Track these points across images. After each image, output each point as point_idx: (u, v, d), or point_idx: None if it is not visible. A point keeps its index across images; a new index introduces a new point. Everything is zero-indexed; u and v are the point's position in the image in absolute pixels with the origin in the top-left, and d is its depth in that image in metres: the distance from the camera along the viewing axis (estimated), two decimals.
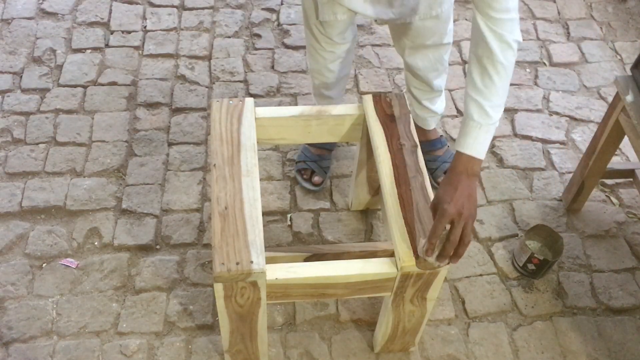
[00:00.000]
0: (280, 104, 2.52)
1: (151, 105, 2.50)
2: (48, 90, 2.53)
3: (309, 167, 2.23)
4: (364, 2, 1.78)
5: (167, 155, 2.35)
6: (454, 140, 2.43)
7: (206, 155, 2.35)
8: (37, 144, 2.36)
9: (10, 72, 2.58)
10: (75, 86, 2.55)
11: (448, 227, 1.43)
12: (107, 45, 2.70)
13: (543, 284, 2.07)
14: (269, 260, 1.54)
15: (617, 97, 1.90)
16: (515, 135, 2.46)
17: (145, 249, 2.10)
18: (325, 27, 1.91)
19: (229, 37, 2.76)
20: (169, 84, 2.57)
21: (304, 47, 2.68)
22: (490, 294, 2.04)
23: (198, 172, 2.30)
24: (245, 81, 2.60)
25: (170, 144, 2.38)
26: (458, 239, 1.41)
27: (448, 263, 1.48)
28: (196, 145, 2.38)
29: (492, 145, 2.42)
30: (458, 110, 2.53)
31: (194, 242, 2.12)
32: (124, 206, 2.19)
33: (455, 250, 1.43)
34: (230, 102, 1.81)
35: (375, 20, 1.88)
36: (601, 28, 2.88)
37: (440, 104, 2.20)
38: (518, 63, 2.70)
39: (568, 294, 2.04)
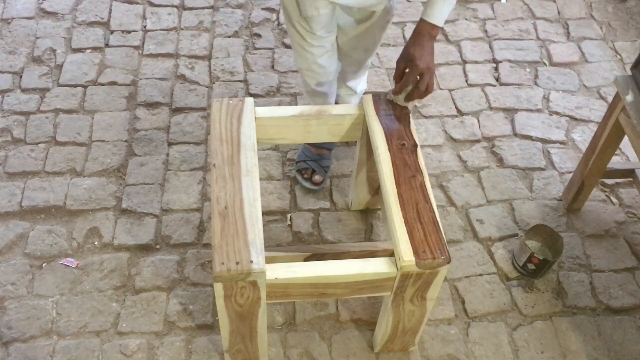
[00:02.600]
0: (280, 103, 2.52)
1: (151, 105, 2.50)
2: (48, 90, 2.53)
3: (310, 166, 2.23)
4: None
5: (167, 155, 2.35)
6: (454, 140, 2.43)
7: (206, 155, 2.35)
8: (37, 143, 2.36)
9: (10, 72, 2.58)
10: (75, 86, 2.55)
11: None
12: (107, 45, 2.70)
13: (543, 284, 2.07)
14: (269, 260, 1.54)
15: (617, 97, 1.90)
16: (515, 135, 2.46)
17: (145, 249, 2.10)
18: (309, 23, 1.91)
19: (229, 36, 2.76)
20: (169, 84, 2.57)
21: None
22: (490, 294, 2.04)
23: (198, 172, 2.30)
24: (245, 81, 2.60)
25: (170, 144, 2.38)
26: (425, 87, 1.73)
27: (409, 102, 1.80)
28: (196, 145, 2.38)
29: (492, 145, 2.42)
30: (458, 110, 2.53)
31: (194, 241, 2.12)
32: (124, 206, 2.19)
33: (420, 95, 1.76)
34: (230, 101, 1.81)
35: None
36: (601, 28, 2.88)
37: (362, 85, 2.30)
38: (518, 63, 2.71)
39: (568, 293, 2.04)
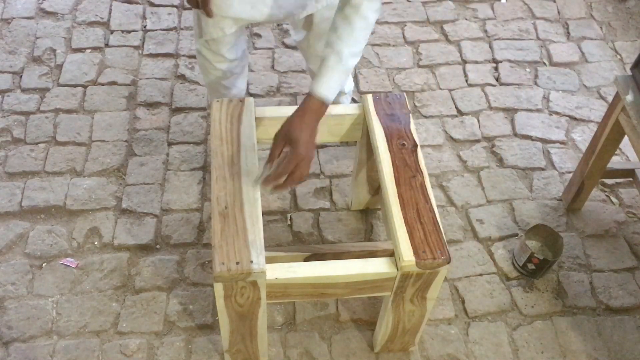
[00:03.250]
0: (280, 103, 2.52)
1: (151, 105, 2.50)
2: (48, 89, 2.53)
3: None
4: (252, 9, 1.74)
5: (167, 155, 2.35)
6: (454, 140, 2.43)
7: (206, 155, 2.35)
8: (37, 143, 2.36)
9: (10, 72, 2.58)
10: (75, 86, 2.54)
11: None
12: (107, 45, 2.70)
13: (543, 284, 2.07)
14: (269, 260, 1.54)
15: (617, 97, 1.90)
16: (515, 135, 2.46)
17: (145, 249, 2.10)
18: (212, 45, 1.87)
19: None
20: (169, 84, 2.57)
21: None
22: (490, 294, 2.04)
23: (198, 172, 2.30)
24: None
25: (170, 144, 2.38)
26: (302, 175, 1.56)
27: (277, 191, 1.62)
28: (196, 145, 2.38)
29: (492, 145, 2.42)
30: (458, 110, 2.53)
31: (194, 241, 2.12)
32: (123, 206, 2.19)
33: (292, 184, 1.58)
34: (230, 101, 1.81)
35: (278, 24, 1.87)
36: (601, 28, 2.88)
37: (350, 84, 2.26)
38: (518, 63, 2.71)
39: (568, 293, 2.04)
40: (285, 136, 1.55)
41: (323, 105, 1.54)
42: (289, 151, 1.53)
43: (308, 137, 1.53)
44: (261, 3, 1.73)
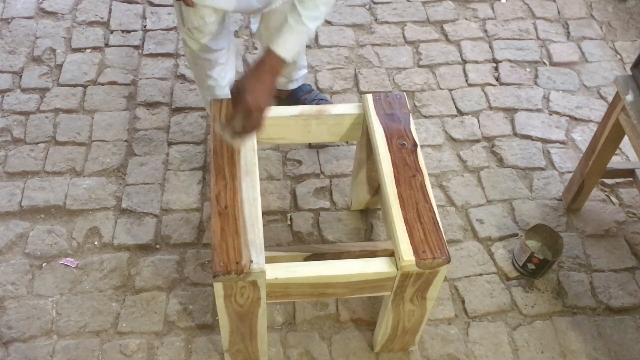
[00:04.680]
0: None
1: (151, 105, 2.50)
2: (48, 89, 2.53)
3: None
4: None
5: (167, 154, 2.35)
6: (454, 140, 2.43)
7: (206, 155, 2.35)
8: (37, 143, 2.36)
9: (10, 72, 2.58)
10: (75, 86, 2.54)
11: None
12: (106, 45, 2.70)
13: (543, 284, 2.07)
14: (269, 260, 1.54)
15: (617, 97, 1.90)
16: (515, 134, 2.46)
17: (145, 249, 2.10)
18: (196, 34, 1.89)
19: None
20: (169, 84, 2.57)
21: None
22: (490, 294, 2.04)
23: (198, 172, 2.30)
24: None
25: (170, 144, 2.38)
26: (252, 126, 1.59)
27: (236, 139, 1.66)
28: (196, 144, 2.38)
29: (492, 145, 2.42)
30: (458, 110, 2.53)
31: (194, 241, 2.12)
32: (123, 206, 2.19)
33: (245, 133, 1.61)
34: (230, 101, 1.81)
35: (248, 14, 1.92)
36: (601, 27, 2.88)
37: (303, 60, 2.30)
38: (518, 62, 2.71)
39: (568, 293, 2.04)
40: (237, 88, 1.57)
41: (280, 62, 1.55)
42: (238, 101, 1.55)
43: (259, 88, 1.54)
44: None
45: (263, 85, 1.55)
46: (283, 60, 1.56)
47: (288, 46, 1.55)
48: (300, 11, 1.54)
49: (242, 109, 1.55)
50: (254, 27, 2.14)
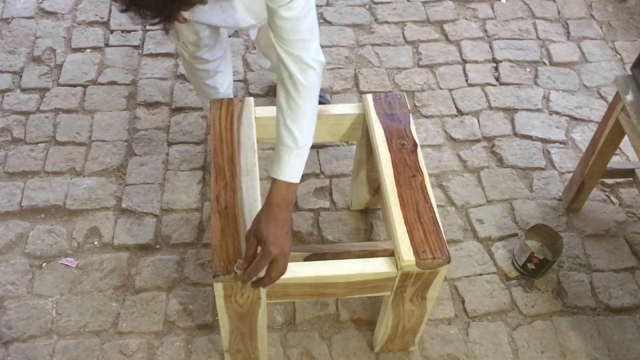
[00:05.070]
0: None
1: (151, 105, 2.50)
2: (48, 89, 2.53)
3: None
4: (222, 12, 1.75)
5: (167, 154, 2.35)
6: (454, 140, 2.43)
7: (206, 155, 2.35)
8: (37, 143, 2.36)
9: (10, 72, 2.58)
10: (75, 85, 2.54)
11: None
12: (106, 45, 2.70)
13: (543, 284, 2.07)
14: None
15: (617, 97, 1.90)
16: (515, 134, 2.46)
17: (145, 249, 2.10)
18: (191, 47, 1.88)
19: (229, 36, 2.75)
20: (169, 84, 2.57)
21: None
22: (490, 294, 2.04)
23: (198, 172, 2.30)
24: (245, 81, 2.60)
25: (170, 144, 2.38)
26: (281, 272, 1.45)
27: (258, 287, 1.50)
28: (196, 144, 2.38)
29: (492, 145, 2.42)
30: (458, 110, 2.53)
31: (194, 241, 2.12)
32: (123, 206, 2.19)
33: (271, 282, 1.45)
34: (230, 101, 1.81)
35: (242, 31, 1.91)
36: (601, 27, 2.88)
37: None
38: (518, 62, 2.71)
39: (568, 293, 2.04)
40: (255, 236, 1.42)
41: (289, 188, 1.42)
42: (261, 250, 1.41)
43: (279, 234, 1.40)
44: (231, 8, 1.74)
45: (282, 228, 1.41)
46: (290, 184, 1.42)
47: (291, 169, 1.41)
48: (290, 126, 1.40)
49: (266, 259, 1.41)
50: (252, 34, 2.14)
